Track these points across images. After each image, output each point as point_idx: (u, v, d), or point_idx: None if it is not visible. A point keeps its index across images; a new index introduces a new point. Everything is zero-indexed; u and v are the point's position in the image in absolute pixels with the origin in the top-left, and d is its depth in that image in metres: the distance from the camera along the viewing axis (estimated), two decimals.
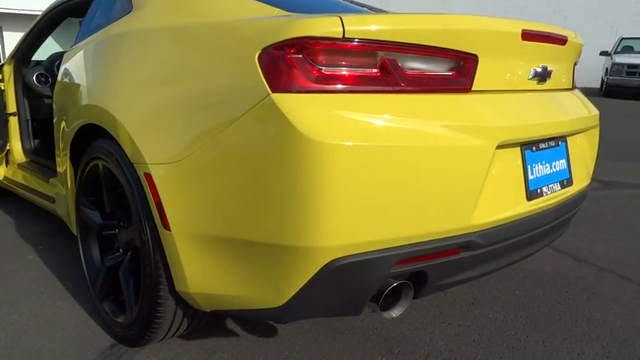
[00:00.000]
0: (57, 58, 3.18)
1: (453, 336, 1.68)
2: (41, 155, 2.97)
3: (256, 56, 1.17)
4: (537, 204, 1.41)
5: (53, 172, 2.62)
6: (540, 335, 1.69)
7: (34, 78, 3.03)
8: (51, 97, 3.07)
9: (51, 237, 2.79)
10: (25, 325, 1.84)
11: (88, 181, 1.81)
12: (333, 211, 1.09)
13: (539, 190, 1.42)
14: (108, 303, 1.77)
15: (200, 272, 1.34)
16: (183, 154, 1.30)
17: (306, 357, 1.58)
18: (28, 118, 3.12)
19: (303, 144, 1.08)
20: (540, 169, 1.45)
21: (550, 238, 1.60)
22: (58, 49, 3.44)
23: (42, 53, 3.32)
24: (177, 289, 1.41)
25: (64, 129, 1.92)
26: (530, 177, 1.40)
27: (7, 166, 3.12)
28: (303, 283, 1.17)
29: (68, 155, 1.89)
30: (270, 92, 1.13)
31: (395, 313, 1.24)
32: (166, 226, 1.35)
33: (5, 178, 3.08)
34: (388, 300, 1.24)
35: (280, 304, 1.22)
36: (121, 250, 1.73)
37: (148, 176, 1.37)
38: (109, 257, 1.75)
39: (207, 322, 1.77)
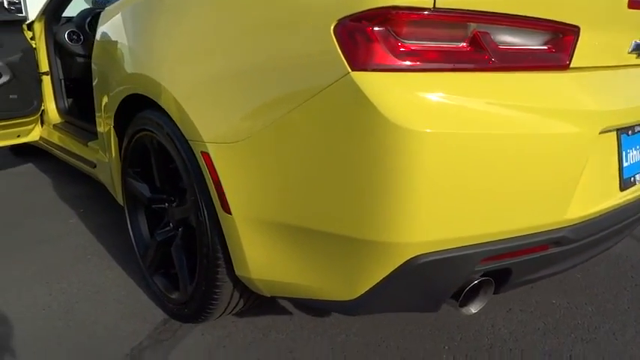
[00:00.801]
0: (87, 15, 3.05)
1: (516, 323, 1.61)
2: (75, 116, 2.91)
3: (332, 27, 1.04)
4: (630, 194, 1.28)
5: (91, 135, 2.56)
6: (610, 326, 1.61)
7: (66, 36, 2.92)
8: (83, 56, 2.98)
9: (90, 199, 2.77)
10: (76, 294, 1.83)
11: (134, 153, 1.73)
12: (419, 204, 0.99)
13: (632, 179, 1.30)
14: (159, 277, 1.74)
15: (263, 259, 1.27)
16: (247, 134, 1.20)
17: (364, 341, 1.53)
18: (61, 77, 3.04)
19: (388, 130, 0.96)
20: (634, 155, 1.31)
21: (632, 228, 1.49)
22: (85, 5, 3.29)
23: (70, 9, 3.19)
24: (237, 273, 1.35)
25: (106, 96, 1.83)
26: (625, 164, 1.27)
27: (42, 126, 3.07)
28: (380, 278, 1.09)
29: (112, 124, 1.80)
30: (350, 70, 1.00)
31: (473, 309, 1.17)
32: (226, 209, 1.27)
33: (41, 138, 3.04)
34: (467, 296, 1.16)
35: (352, 298, 1.15)
36: (171, 224, 1.67)
37: (206, 155, 1.28)
38: (159, 232, 1.70)
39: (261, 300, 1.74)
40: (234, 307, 1.52)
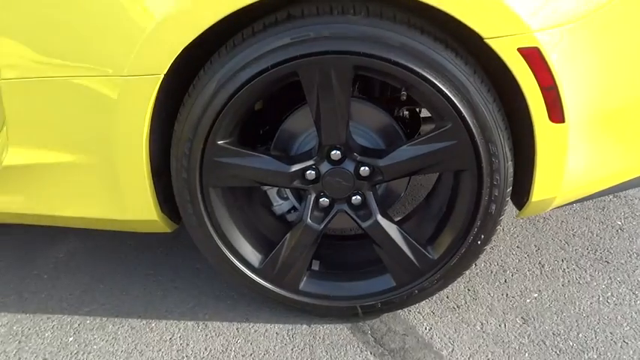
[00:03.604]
0: None
1: None
2: None
3: None
4: None
5: None
6: None
7: None
8: None
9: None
10: None
11: (235, 114, 0.98)
12: None
13: None
14: (313, 282, 1.16)
15: (583, 163, 1.04)
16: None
17: None
18: None
19: None
20: None
21: None
22: None
23: None
24: (535, 199, 1.05)
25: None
26: None
27: None
28: None
29: (164, 72, 0.92)
30: None
31: None
32: (558, 117, 0.95)
33: None
34: None
35: None
36: (327, 197, 1.09)
37: (532, 52, 0.88)
38: (314, 215, 1.09)
39: None
40: None
